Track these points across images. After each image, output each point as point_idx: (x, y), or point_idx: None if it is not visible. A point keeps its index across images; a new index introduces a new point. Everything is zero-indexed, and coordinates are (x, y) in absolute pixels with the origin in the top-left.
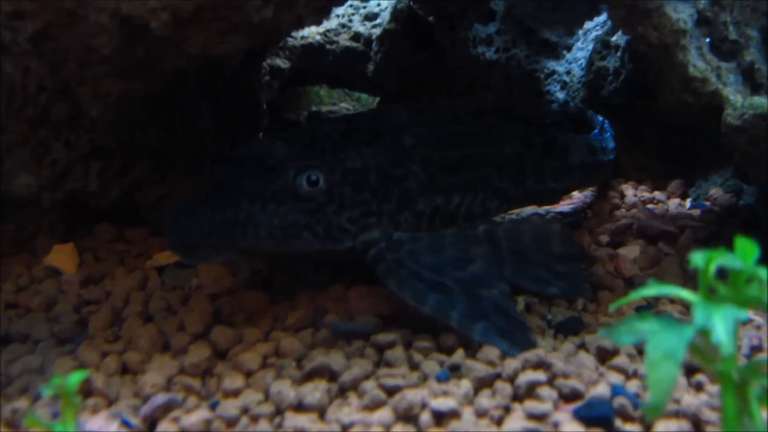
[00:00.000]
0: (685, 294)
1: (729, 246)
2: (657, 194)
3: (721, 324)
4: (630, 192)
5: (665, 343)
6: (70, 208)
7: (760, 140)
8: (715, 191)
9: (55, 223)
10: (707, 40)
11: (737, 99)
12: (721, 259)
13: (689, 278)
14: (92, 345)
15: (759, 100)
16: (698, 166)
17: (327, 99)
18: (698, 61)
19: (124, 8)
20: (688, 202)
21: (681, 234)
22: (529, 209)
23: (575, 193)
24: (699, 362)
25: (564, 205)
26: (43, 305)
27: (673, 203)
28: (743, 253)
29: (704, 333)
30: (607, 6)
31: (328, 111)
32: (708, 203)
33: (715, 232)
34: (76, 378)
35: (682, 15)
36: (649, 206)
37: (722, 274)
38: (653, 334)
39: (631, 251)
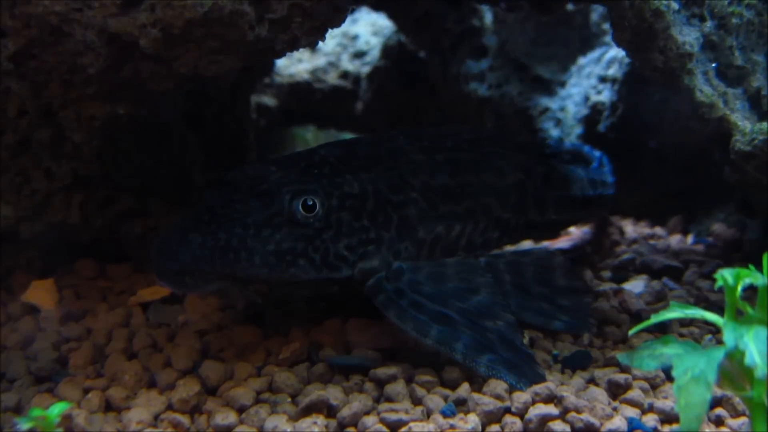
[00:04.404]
0: (710, 316)
1: None
2: (657, 230)
3: (753, 345)
4: (629, 228)
5: (694, 366)
6: (49, 242)
7: None
8: (717, 226)
9: (33, 258)
10: (713, 65)
11: (746, 125)
12: (748, 277)
13: None
14: (73, 382)
15: None
16: (698, 202)
17: (313, 142)
18: (705, 86)
19: (112, 25)
20: (689, 238)
21: (686, 269)
22: (527, 244)
23: (573, 229)
24: (726, 388)
25: (563, 241)
26: (20, 343)
27: (675, 239)
28: None
29: (733, 356)
30: (612, 29)
31: None
32: (710, 239)
33: (721, 266)
34: (56, 410)
35: (689, 38)
36: (651, 242)
37: None
38: (679, 357)
39: (635, 286)
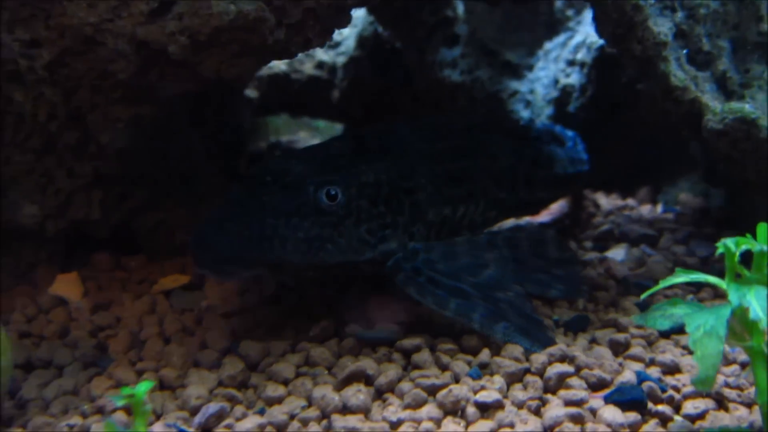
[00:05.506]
0: (712, 279)
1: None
2: (629, 201)
3: (756, 302)
4: (603, 200)
5: (705, 323)
6: (69, 237)
7: (740, 142)
8: (684, 196)
9: (54, 253)
10: (685, 51)
11: (716, 105)
12: (746, 244)
13: None
14: (123, 365)
15: (737, 105)
16: (664, 175)
17: (285, 129)
18: (678, 71)
19: (141, 33)
20: (659, 207)
21: (660, 236)
22: (510, 222)
23: (552, 204)
24: (730, 341)
25: (543, 216)
26: (57, 333)
27: (645, 209)
28: (765, 237)
29: (737, 312)
30: (595, 22)
31: (288, 141)
32: (678, 207)
33: (692, 232)
34: (144, 387)
35: (663, 28)
36: (625, 213)
37: None
38: (689, 316)
39: (617, 254)
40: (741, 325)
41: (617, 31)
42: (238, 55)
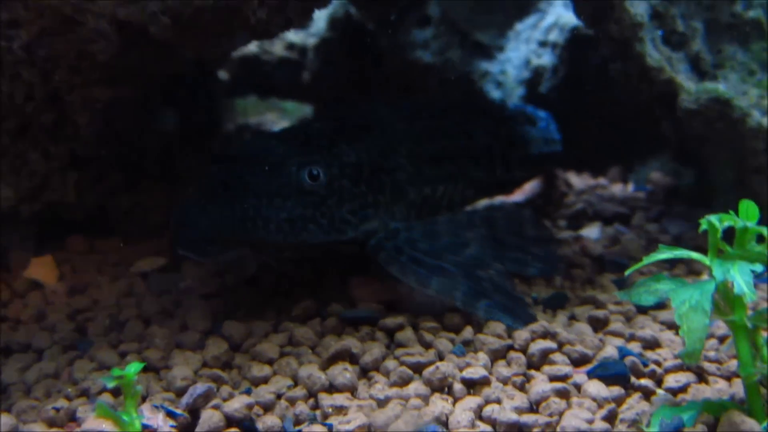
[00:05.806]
0: (696, 255)
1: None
2: (601, 180)
3: (740, 277)
4: (575, 180)
5: (690, 298)
6: (43, 220)
7: (714, 122)
8: (655, 175)
9: (28, 237)
10: (660, 32)
11: (690, 85)
12: (729, 221)
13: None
14: (106, 347)
15: (711, 85)
16: (635, 154)
17: (252, 110)
18: (653, 52)
19: (121, 13)
20: (630, 186)
21: (632, 214)
22: (485, 201)
23: (525, 184)
24: (714, 315)
25: (517, 196)
26: (34, 317)
27: (617, 188)
28: (746, 214)
29: (720, 288)
30: (573, 2)
31: (257, 122)
32: (649, 186)
33: (664, 210)
34: (134, 368)
35: (639, 9)
36: (597, 192)
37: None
38: (674, 291)
39: (591, 232)
40: (724, 300)
41: (595, 12)
42: (220, 36)
